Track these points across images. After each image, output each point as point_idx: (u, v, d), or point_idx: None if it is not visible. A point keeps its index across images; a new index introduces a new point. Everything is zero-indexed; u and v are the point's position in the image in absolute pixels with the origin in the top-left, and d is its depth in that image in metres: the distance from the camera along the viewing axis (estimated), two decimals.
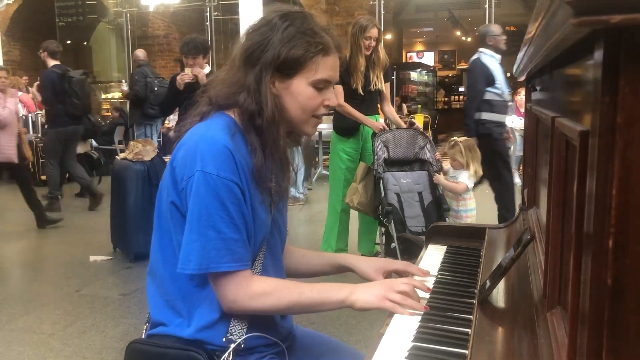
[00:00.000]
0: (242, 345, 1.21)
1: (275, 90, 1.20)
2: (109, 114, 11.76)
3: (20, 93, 9.40)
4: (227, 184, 1.13)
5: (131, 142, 4.70)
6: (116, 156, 5.39)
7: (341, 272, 1.45)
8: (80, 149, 7.90)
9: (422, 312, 1.15)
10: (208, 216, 1.13)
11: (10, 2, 10.92)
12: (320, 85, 1.21)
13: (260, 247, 1.25)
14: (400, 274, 1.40)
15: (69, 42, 13.50)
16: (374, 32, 3.84)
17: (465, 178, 3.66)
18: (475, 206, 3.78)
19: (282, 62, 1.18)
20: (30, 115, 9.40)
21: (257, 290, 1.17)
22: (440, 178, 3.76)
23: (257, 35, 1.20)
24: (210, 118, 1.23)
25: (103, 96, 13.10)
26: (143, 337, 1.34)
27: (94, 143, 9.49)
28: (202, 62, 4.22)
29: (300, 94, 1.20)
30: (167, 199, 1.20)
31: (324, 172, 8.21)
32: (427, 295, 1.27)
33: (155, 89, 6.87)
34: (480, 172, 3.75)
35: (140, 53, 7.32)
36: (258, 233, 1.22)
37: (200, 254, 1.13)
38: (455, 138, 3.88)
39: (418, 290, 1.22)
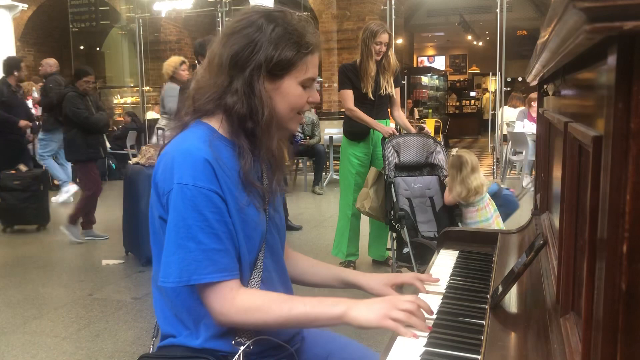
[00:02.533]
0: (252, 348, 1.20)
1: (267, 92, 1.19)
2: (122, 118, 11.84)
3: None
4: (206, 193, 1.11)
5: (143, 147, 4.73)
6: (128, 161, 5.44)
7: (348, 288, 1.42)
8: None
9: (426, 334, 1.10)
10: (186, 228, 1.11)
11: (25, 9, 11.05)
12: (307, 84, 1.23)
13: (260, 247, 1.24)
14: (409, 285, 1.39)
15: (82, 47, 13.65)
16: (384, 37, 3.84)
17: (455, 194, 3.55)
18: (488, 217, 3.66)
19: (275, 64, 1.18)
20: None
21: (244, 303, 1.14)
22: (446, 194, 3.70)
23: (243, 38, 1.18)
24: (187, 129, 1.22)
25: (115, 101, 13.20)
26: (151, 351, 1.34)
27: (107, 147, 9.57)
28: None
29: (290, 93, 1.21)
30: (156, 215, 1.20)
31: (335, 176, 8.21)
32: (438, 300, 1.27)
33: None
34: (476, 183, 3.48)
35: (52, 61, 7.32)
36: (253, 234, 1.20)
37: (179, 267, 1.11)
38: (454, 150, 3.73)
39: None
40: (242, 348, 1.19)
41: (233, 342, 1.20)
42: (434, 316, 1.18)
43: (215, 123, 1.22)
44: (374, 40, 3.83)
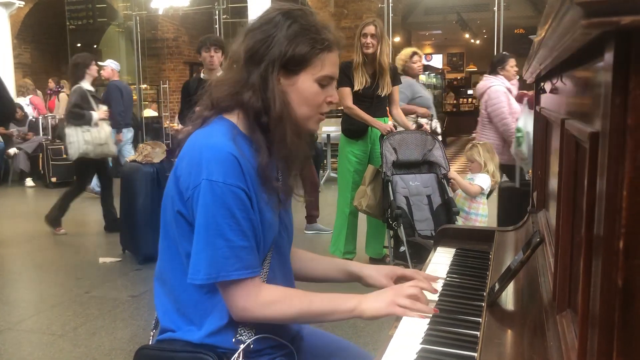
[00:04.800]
0: (252, 346, 1.21)
1: (281, 87, 1.19)
2: None
3: (30, 95, 9.47)
4: (234, 190, 1.12)
5: (140, 145, 4.72)
6: (126, 158, 5.42)
7: (349, 280, 1.44)
8: None
9: (432, 315, 1.15)
10: (216, 225, 1.12)
11: (22, 6, 11.02)
12: (324, 82, 1.22)
13: (269, 248, 1.24)
14: (408, 280, 1.39)
15: (79, 45, 13.59)
16: (369, 29, 3.83)
17: (481, 181, 3.63)
18: (487, 213, 3.72)
19: (289, 59, 1.17)
20: (40, 117, 9.47)
21: (267, 298, 1.17)
22: (455, 174, 3.75)
23: (260, 33, 1.19)
24: (210, 124, 1.22)
25: None
26: (151, 342, 1.34)
27: None
28: (221, 59, 4.19)
29: (306, 90, 1.20)
30: (173, 209, 1.19)
31: (332, 174, 8.21)
32: (435, 297, 1.27)
33: None
34: (499, 178, 3.69)
35: None
36: (267, 235, 1.21)
37: (208, 264, 1.12)
38: (474, 141, 3.88)
39: (426, 293, 1.22)
40: (242, 346, 1.19)
41: (233, 339, 1.20)
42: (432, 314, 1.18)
43: (234, 119, 1.23)
44: (360, 33, 3.84)
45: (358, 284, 1.43)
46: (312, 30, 1.18)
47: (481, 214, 3.68)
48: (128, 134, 7.44)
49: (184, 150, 1.20)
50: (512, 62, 4.59)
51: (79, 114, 5.14)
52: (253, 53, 1.19)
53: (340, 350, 1.44)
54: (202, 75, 4.38)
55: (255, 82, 1.18)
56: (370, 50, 3.85)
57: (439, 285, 1.37)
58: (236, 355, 1.19)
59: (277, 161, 1.25)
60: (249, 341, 1.20)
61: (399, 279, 1.40)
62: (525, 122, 6.13)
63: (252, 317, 1.18)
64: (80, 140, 5.13)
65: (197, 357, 1.18)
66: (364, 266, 1.43)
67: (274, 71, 1.18)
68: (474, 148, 3.73)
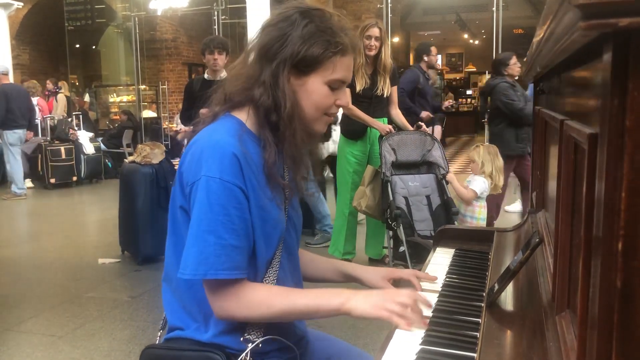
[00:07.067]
0: (260, 346, 1.20)
1: (291, 86, 1.19)
2: (117, 117, 11.82)
3: (37, 97, 9.47)
4: (231, 187, 1.12)
5: (139, 145, 4.72)
6: (124, 159, 5.42)
7: (348, 282, 1.43)
8: None
9: (423, 327, 1.11)
10: (208, 220, 1.11)
11: (20, 7, 11.00)
12: (335, 85, 1.21)
13: (277, 246, 1.24)
14: (406, 281, 1.39)
15: (77, 46, 13.59)
16: (373, 31, 3.83)
17: (477, 185, 3.61)
18: (484, 216, 3.69)
19: (301, 60, 1.17)
20: (39, 118, 9.45)
21: (247, 299, 1.15)
22: (453, 177, 3.74)
23: (276, 30, 1.19)
24: (217, 121, 1.23)
25: (111, 100, 13.17)
26: (158, 342, 1.33)
27: (103, 146, 9.56)
28: (225, 61, 4.20)
29: (315, 92, 1.20)
30: (177, 204, 1.20)
31: (331, 175, 8.19)
32: (434, 298, 1.27)
33: None
34: (500, 182, 3.64)
35: None
36: (272, 232, 1.20)
37: (198, 260, 1.11)
38: (479, 143, 3.86)
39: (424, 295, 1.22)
40: (250, 346, 1.19)
41: (241, 338, 1.20)
42: (430, 314, 1.18)
43: (244, 116, 1.22)
44: (364, 34, 3.83)
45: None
46: (328, 32, 1.17)
47: (477, 217, 3.65)
48: (23, 135, 7.60)
49: (188, 146, 1.20)
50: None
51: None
52: (267, 50, 1.18)
53: (341, 353, 1.44)
54: (205, 75, 4.39)
55: (267, 79, 1.18)
56: (373, 52, 3.86)
57: (438, 285, 1.37)
58: (244, 355, 1.18)
59: (283, 159, 1.24)
60: (258, 341, 1.20)
61: (398, 281, 1.40)
62: None
63: (231, 316, 1.17)
64: (329, 141, 5.11)
65: (205, 355, 1.18)
66: (361, 268, 1.43)
67: (285, 70, 1.17)
68: (476, 148, 3.72)
